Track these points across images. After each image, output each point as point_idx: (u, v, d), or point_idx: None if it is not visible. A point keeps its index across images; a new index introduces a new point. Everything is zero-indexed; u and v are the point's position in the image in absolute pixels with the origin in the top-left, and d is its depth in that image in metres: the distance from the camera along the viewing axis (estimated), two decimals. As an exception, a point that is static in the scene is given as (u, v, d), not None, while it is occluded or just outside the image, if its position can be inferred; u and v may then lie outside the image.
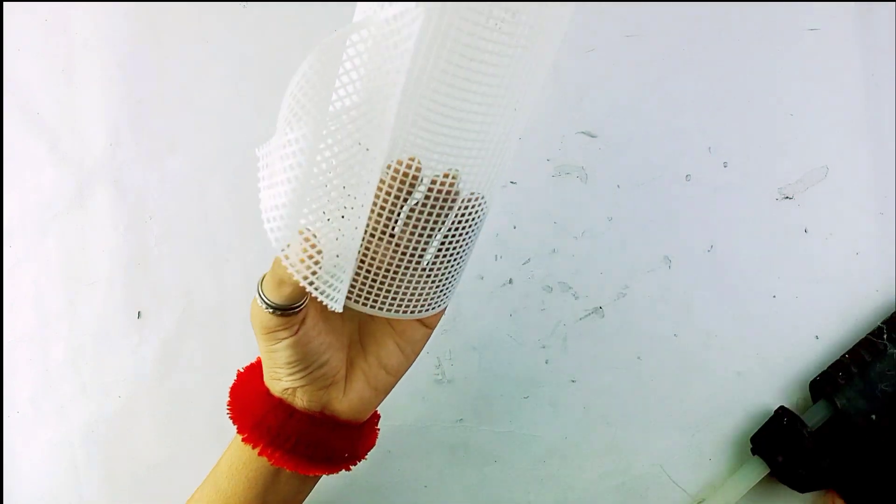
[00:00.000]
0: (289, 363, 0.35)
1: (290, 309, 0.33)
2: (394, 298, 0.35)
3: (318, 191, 0.29)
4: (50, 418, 0.51)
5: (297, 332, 0.34)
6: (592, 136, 0.52)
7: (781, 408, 0.48)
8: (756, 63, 0.53)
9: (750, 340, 0.51)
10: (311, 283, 0.29)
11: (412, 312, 0.36)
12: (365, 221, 0.31)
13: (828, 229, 0.52)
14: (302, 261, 0.29)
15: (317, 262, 0.29)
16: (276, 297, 0.32)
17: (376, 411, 0.41)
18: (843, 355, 0.49)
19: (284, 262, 0.29)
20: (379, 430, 0.41)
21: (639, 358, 0.51)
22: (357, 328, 0.39)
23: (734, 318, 0.51)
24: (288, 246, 0.29)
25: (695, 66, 0.53)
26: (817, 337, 0.51)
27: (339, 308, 0.32)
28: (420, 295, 0.35)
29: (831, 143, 0.53)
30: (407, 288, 0.35)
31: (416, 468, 0.51)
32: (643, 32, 0.52)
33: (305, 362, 0.35)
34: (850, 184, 0.52)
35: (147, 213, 0.52)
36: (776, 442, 0.47)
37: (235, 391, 0.38)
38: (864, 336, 0.49)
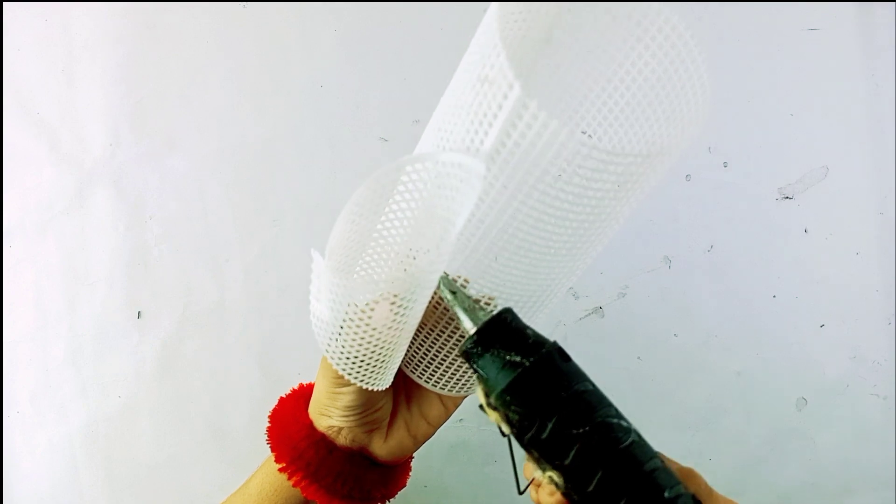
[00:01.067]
0: (348, 407, 0.36)
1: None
2: (443, 377, 0.38)
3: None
4: (50, 418, 0.51)
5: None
6: (592, 137, 0.52)
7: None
8: (756, 63, 0.53)
9: (750, 340, 0.51)
10: (349, 375, 0.33)
11: (459, 391, 0.39)
12: (414, 323, 0.33)
13: (828, 229, 0.52)
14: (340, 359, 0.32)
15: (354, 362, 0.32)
16: (337, 377, 0.35)
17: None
18: None
19: (331, 358, 0.32)
20: (411, 469, 0.42)
21: (639, 358, 0.51)
22: (403, 379, 0.40)
23: (734, 318, 0.51)
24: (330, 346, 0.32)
25: (695, 66, 0.52)
26: (817, 337, 0.51)
27: (381, 388, 0.35)
28: (465, 378, 0.38)
29: (831, 143, 0.53)
30: (454, 372, 0.37)
31: (416, 468, 0.51)
32: (643, 32, 0.52)
33: (364, 408, 0.36)
34: (850, 184, 0.52)
35: (147, 213, 0.52)
36: None
37: (277, 418, 0.39)
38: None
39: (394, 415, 0.39)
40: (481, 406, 0.29)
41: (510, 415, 0.28)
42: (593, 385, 0.28)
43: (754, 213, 0.52)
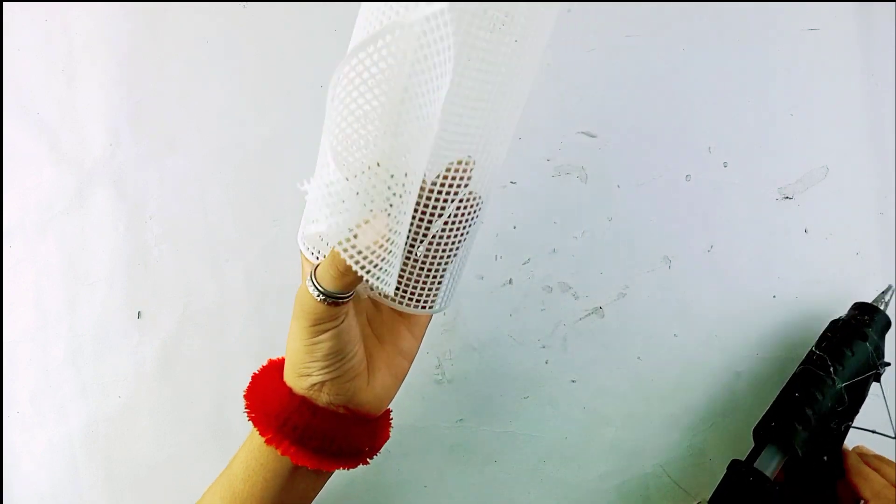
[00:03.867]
0: (327, 355, 0.36)
1: (343, 297, 0.34)
2: (413, 294, 0.37)
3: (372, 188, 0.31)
4: (50, 418, 0.51)
5: (341, 323, 0.35)
6: (592, 136, 0.52)
7: (734, 462, 0.45)
8: (756, 63, 0.53)
9: (750, 340, 0.51)
10: (369, 272, 0.32)
11: (428, 307, 0.38)
12: (409, 216, 0.33)
13: (828, 229, 0.52)
14: (369, 250, 0.31)
15: (386, 250, 0.31)
16: (335, 286, 0.33)
17: (388, 406, 0.42)
18: (793, 394, 0.46)
19: (346, 254, 0.31)
20: (392, 422, 0.42)
21: (639, 358, 0.51)
22: (366, 321, 0.39)
23: (734, 318, 0.51)
24: (354, 237, 0.31)
25: (695, 66, 0.53)
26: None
27: (390, 291, 0.34)
28: (428, 290, 0.38)
29: (831, 143, 0.53)
30: (422, 286, 0.37)
31: (416, 468, 0.51)
32: (643, 32, 0.52)
33: (342, 353, 0.36)
34: (850, 184, 0.52)
35: (147, 213, 0.52)
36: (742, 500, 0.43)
37: (252, 394, 0.39)
38: (801, 367, 0.47)
39: (370, 358, 0.39)
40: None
41: None
42: None
43: (754, 213, 0.52)
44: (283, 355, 0.40)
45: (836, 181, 0.52)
